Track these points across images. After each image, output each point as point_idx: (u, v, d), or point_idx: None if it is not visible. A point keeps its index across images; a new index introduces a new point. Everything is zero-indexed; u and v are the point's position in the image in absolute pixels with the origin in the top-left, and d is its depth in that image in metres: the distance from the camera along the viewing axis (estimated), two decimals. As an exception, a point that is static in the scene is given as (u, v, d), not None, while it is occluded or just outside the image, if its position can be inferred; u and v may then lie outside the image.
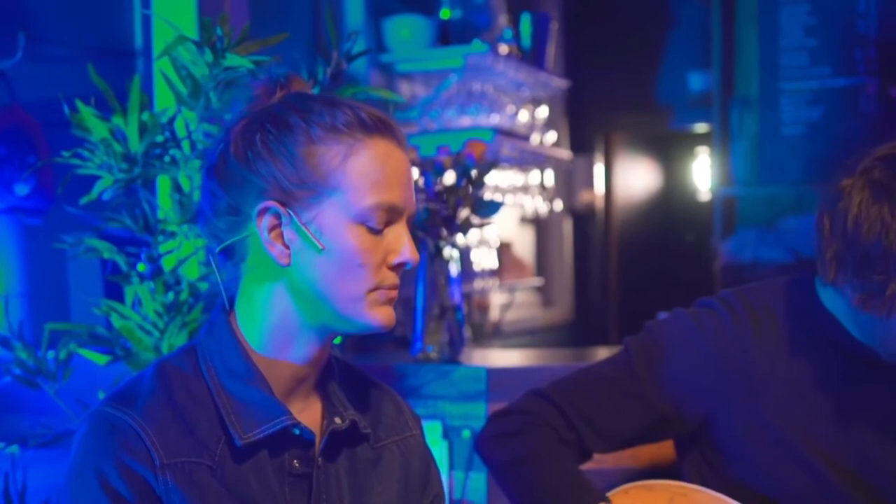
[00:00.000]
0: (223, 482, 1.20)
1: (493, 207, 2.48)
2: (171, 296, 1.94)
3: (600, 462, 1.82)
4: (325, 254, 1.20)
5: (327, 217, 1.20)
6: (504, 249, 5.11)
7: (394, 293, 1.25)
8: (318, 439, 1.27)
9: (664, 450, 2.00)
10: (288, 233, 1.21)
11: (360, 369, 1.42)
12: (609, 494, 1.68)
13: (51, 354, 1.99)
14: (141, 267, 1.97)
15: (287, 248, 1.21)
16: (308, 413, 1.30)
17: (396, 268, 1.24)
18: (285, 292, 1.23)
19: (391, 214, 1.23)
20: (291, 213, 1.20)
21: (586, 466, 1.76)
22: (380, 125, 1.23)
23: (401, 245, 1.23)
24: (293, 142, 1.21)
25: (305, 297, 1.23)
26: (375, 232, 1.22)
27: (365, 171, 1.20)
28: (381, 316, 1.23)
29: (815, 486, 1.63)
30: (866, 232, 1.51)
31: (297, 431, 1.25)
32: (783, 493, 1.64)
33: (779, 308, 1.70)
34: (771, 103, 5.58)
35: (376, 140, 1.22)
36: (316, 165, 1.20)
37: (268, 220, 1.21)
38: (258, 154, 1.21)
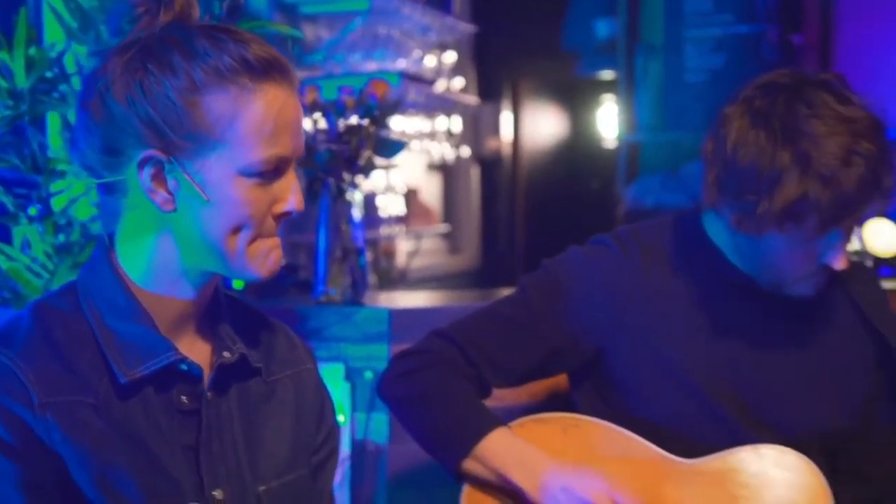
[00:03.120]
0: (108, 420, 1.17)
1: (396, 147, 2.45)
2: (61, 237, 1.89)
3: (500, 399, 1.84)
4: (210, 205, 1.17)
5: (214, 169, 1.17)
6: (411, 196, 5.11)
7: (277, 241, 1.22)
8: (206, 375, 1.25)
9: (562, 385, 2.03)
10: (171, 181, 1.18)
11: (252, 305, 1.39)
12: None
13: (-65, 299, 1.92)
14: (32, 211, 1.91)
15: (170, 195, 1.18)
16: (196, 349, 1.27)
17: (281, 217, 1.22)
18: (168, 237, 1.21)
19: (279, 165, 1.20)
20: (175, 163, 1.16)
21: (487, 404, 1.77)
22: (269, 68, 1.18)
23: (288, 194, 1.21)
24: (176, 88, 1.15)
25: (189, 244, 1.20)
26: (263, 183, 1.19)
27: (254, 125, 1.17)
28: (264, 265, 1.21)
29: (701, 412, 1.67)
30: (743, 156, 1.56)
31: (184, 367, 1.23)
32: (671, 420, 1.68)
33: (666, 241, 1.75)
34: (675, 50, 5.65)
35: (266, 88, 1.17)
36: (201, 117, 1.16)
37: (150, 169, 1.17)
38: (139, 98, 1.16)
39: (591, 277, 1.73)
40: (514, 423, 1.71)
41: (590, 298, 1.72)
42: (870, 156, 1.51)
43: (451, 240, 5.67)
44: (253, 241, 1.20)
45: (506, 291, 2.76)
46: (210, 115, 1.16)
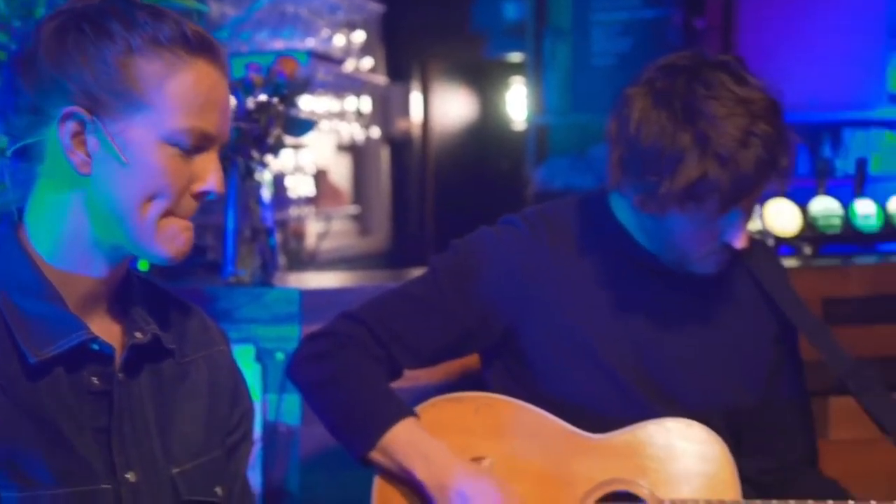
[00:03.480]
0: (16, 401, 1.14)
1: (306, 126, 2.41)
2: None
3: (413, 379, 1.83)
4: (127, 168, 1.16)
5: (136, 132, 1.16)
6: (320, 177, 5.06)
7: (190, 225, 1.20)
8: (118, 355, 1.22)
9: (474, 364, 2.03)
10: (91, 141, 1.16)
11: (163, 286, 1.37)
12: (418, 408, 1.71)
13: None
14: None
15: (89, 157, 1.16)
16: (108, 329, 1.24)
17: (199, 196, 1.20)
18: (81, 204, 1.18)
19: (203, 141, 1.18)
20: (98, 121, 1.15)
21: (399, 384, 1.77)
22: (203, 45, 1.19)
23: (208, 173, 1.19)
24: (110, 49, 1.15)
25: (101, 212, 1.18)
26: (184, 155, 1.18)
27: (183, 93, 1.16)
28: (172, 245, 1.19)
29: (609, 388, 1.70)
30: (645, 136, 1.58)
31: (95, 347, 1.20)
32: (580, 397, 1.70)
33: (574, 221, 1.77)
34: (582, 34, 5.70)
35: (199, 61, 1.18)
36: (132, 77, 1.15)
37: (71, 125, 1.16)
38: (70, 56, 1.15)
39: (501, 257, 1.74)
40: (426, 403, 1.71)
41: (499, 278, 1.73)
42: (766, 137, 1.54)
43: (361, 221, 5.65)
44: (165, 215, 1.19)
45: (416, 272, 2.76)
46: (141, 75, 1.16)
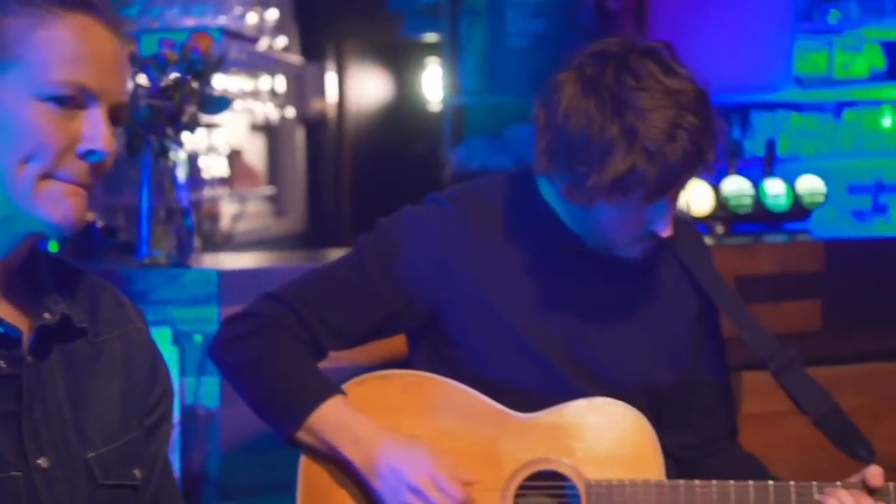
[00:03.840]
0: None
1: (222, 104, 2.37)
2: None
3: (335, 360, 1.82)
4: (0, 129, 1.11)
5: (7, 91, 1.11)
6: (234, 157, 4.98)
7: (78, 189, 1.14)
8: (25, 338, 1.18)
9: (398, 346, 2.03)
10: None
11: (75, 266, 1.32)
12: (345, 386, 1.70)
13: None
14: None
15: None
16: (13, 311, 1.19)
17: (85, 156, 1.14)
18: None
19: (82, 95, 1.13)
20: None
21: (322, 365, 1.75)
22: (80, 1, 1.14)
23: (94, 131, 1.13)
24: None
25: None
26: (62, 113, 1.12)
27: (54, 44, 1.12)
28: (57, 210, 1.13)
29: (537, 370, 1.71)
30: (574, 125, 1.57)
31: (0, 329, 1.16)
32: (507, 376, 1.71)
33: (501, 201, 1.76)
34: (497, 14, 5.71)
35: (74, 15, 1.13)
36: (2, 38, 1.11)
37: None
38: None
39: (426, 237, 1.72)
40: (354, 381, 1.70)
41: (425, 258, 1.72)
42: (693, 129, 1.54)
43: (277, 202, 5.58)
44: (44, 177, 1.13)
45: (334, 254, 2.74)
46: (9, 33, 1.12)
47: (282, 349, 1.68)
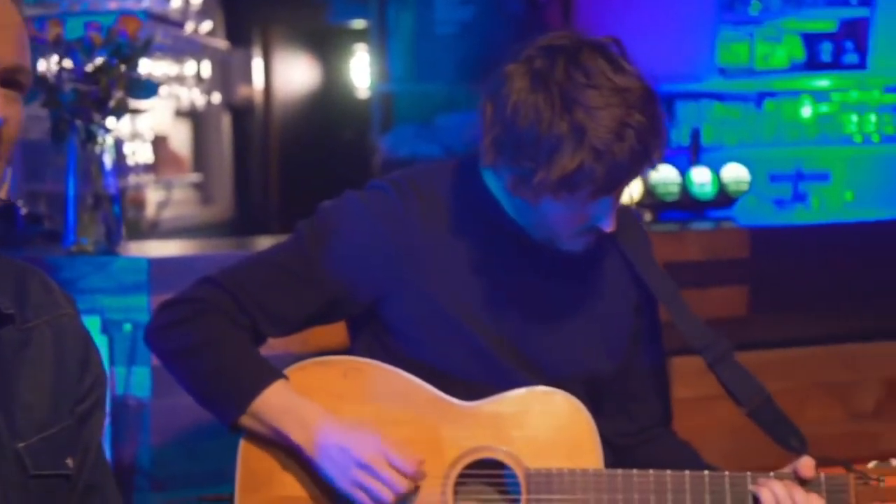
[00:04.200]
0: None
1: (150, 89, 2.33)
2: None
3: (270, 347, 1.80)
4: None
5: None
6: (159, 143, 4.89)
7: None
8: None
9: (334, 334, 2.02)
10: None
11: None
12: (285, 371, 1.67)
13: None
14: None
15: None
16: None
17: None
18: None
19: None
20: None
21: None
22: None
23: None
24: None
25: None
26: None
27: None
28: None
29: (478, 357, 1.71)
30: (522, 119, 1.56)
31: (-78, 317, 1.12)
32: (449, 365, 1.70)
33: (445, 189, 1.75)
34: (425, 1, 5.70)
35: None
36: None
37: None
38: None
39: (369, 223, 1.71)
40: (295, 366, 1.68)
41: (367, 244, 1.70)
42: (641, 128, 1.54)
43: (203, 190, 5.50)
44: None
45: (263, 241, 2.71)
46: None
47: (222, 334, 1.65)
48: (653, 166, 1.61)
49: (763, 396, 1.73)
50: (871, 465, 1.63)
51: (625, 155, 1.54)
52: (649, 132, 1.56)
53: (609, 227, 1.64)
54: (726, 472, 1.62)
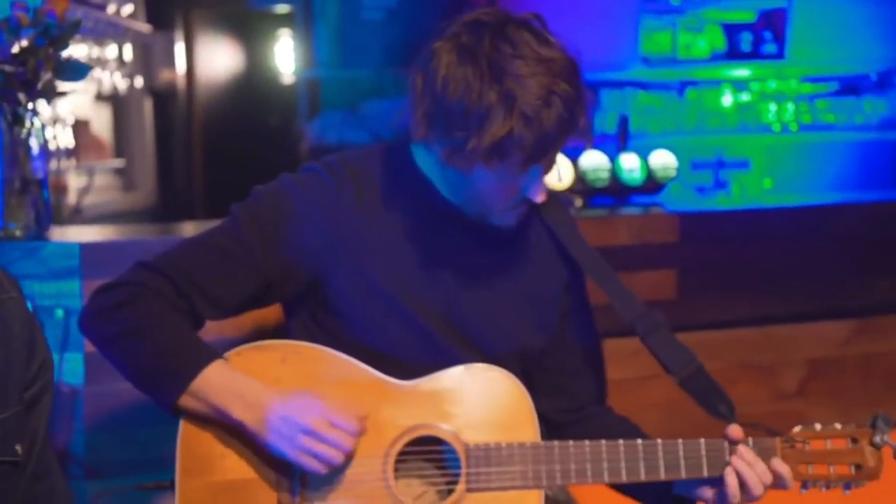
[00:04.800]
0: None
1: (81, 71, 2.28)
2: None
3: (203, 332, 1.78)
4: None
5: None
6: (80, 128, 4.79)
7: None
8: None
9: (267, 317, 2.01)
10: None
11: None
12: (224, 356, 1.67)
13: None
14: None
15: None
16: None
17: None
18: None
19: None
20: None
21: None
22: None
23: None
24: None
25: None
26: None
27: None
28: None
29: (416, 336, 1.73)
30: (452, 91, 1.60)
31: None
32: (387, 344, 1.72)
33: (377, 171, 1.78)
34: (352, -13, 5.67)
35: None
36: None
37: None
38: None
39: (306, 205, 1.72)
40: (232, 352, 1.67)
41: (305, 227, 1.71)
42: (567, 96, 1.59)
43: (125, 175, 5.39)
44: None
45: (188, 227, 2.68)
46: None
47: (160, 317, 1.64)
48: (579, 135, 1.65)
49: (693, 366, 1.79)
50: (797, 429, 1.70)
51: (552, 122, 1.58)
52: (575, 101, 1.61)
53: (539, 197, 1.69)
54: (659, 440, 1.68)
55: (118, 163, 5.21)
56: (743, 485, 1.65)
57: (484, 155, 1.60)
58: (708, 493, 1.69)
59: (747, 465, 1.65)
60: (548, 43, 1.61)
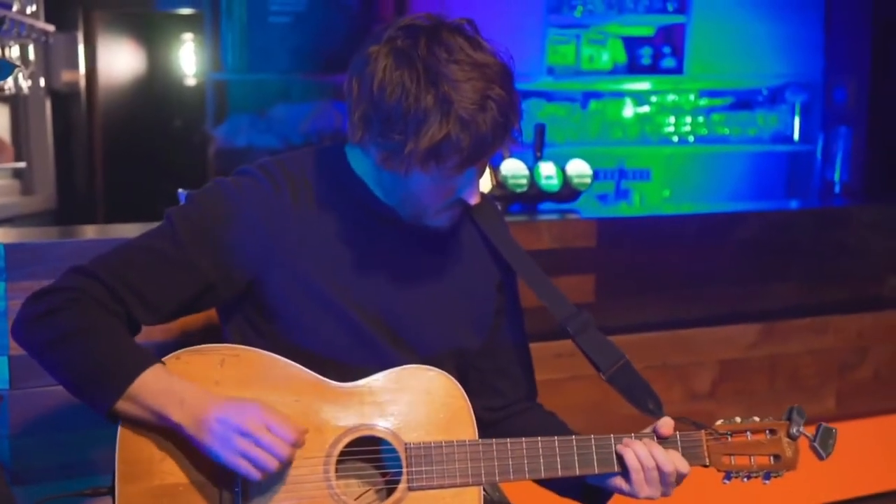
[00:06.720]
0: None
1: (7, 69, 2.23)
2: None
3: (146, 335, 1.76)
4: None
5: None
6: (-22, 129, 4.63)
7: None
8: None
9: (195, 320, 2.00)
10: None
11: None
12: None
13: None
14: None
15: None
16: None
17: None
18: None
19: None
20: None
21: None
22: None
23: None
24: None
25: None
26: None
27: None
28: None
29: (352, 338, 1.74)
30: (389, 95, 1.62)
31: None
32: (325, 347, 1.73)
33: (311, 173, 1.78)
34: (259, -10, 5.63)
35: None
36: None
37: None
38: None
39: (242, 209, 1.72)
40: (170, 356, 1.66)
41: (241, 230, 1.71)
42: (501, 101, 1.62)
43: (24, 179, 5.23)
44: None
45: (89, 230, 2.63)
46: None
47: (95, 322, 1.62)
48: (512, 140, 1.68)
49: (621, 363, 1.85)
50: (720, 422, 1.79)
51: (488, 125, 1.61)
52: (509, 105, 1.64)
53: (474, 199, 1.72)
54: (592, 436, 1.74)
55: (16, 165, 5.05)
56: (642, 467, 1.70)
57: (421, 158, 1.62)
58: (619, 481, 1.74)
59: (642, 445, 1.71)
60: (481, 48, 1.64)
